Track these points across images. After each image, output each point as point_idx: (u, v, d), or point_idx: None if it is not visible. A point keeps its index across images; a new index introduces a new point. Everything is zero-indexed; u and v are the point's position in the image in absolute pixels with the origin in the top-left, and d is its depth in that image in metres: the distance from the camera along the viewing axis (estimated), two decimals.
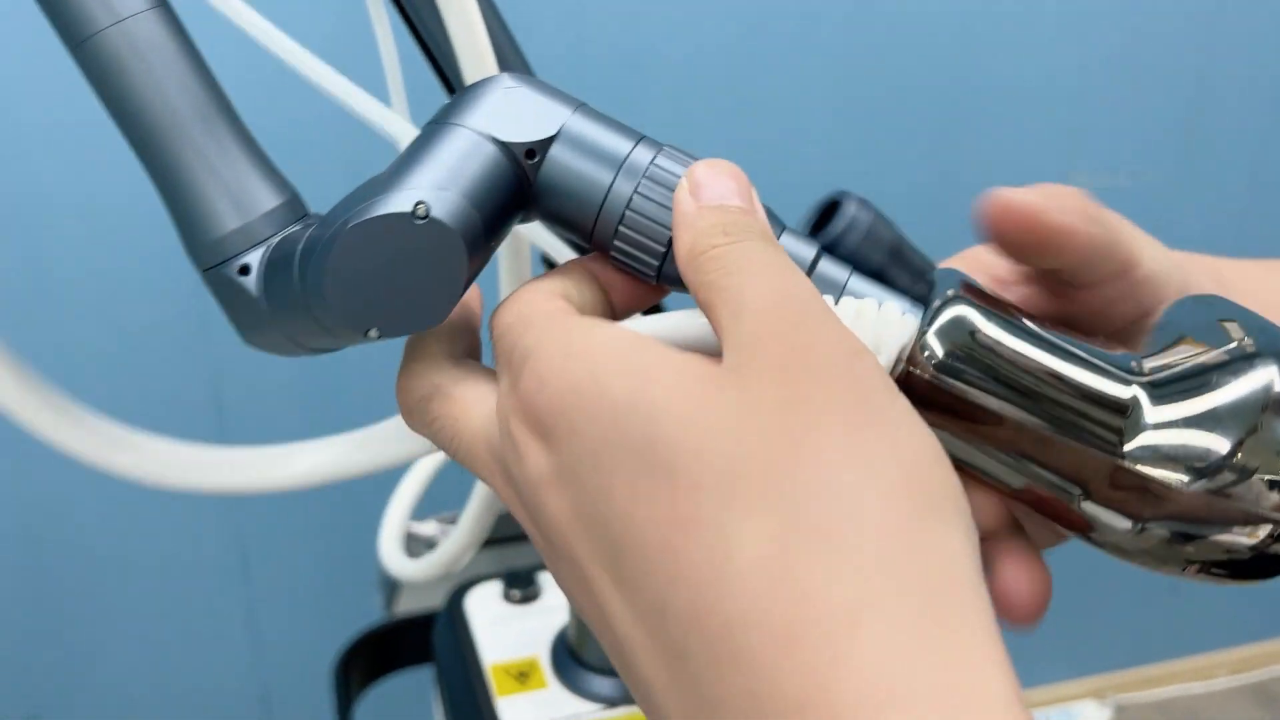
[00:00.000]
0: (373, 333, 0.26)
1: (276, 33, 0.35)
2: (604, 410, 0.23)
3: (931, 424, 0.25)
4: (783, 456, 0.21)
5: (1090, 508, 0.26)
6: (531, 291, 0.27)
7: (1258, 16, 1.13)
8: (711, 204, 0.26)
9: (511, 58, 0.39)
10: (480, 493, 0.48)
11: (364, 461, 0.37)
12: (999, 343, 0.26)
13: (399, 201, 0.25)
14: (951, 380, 0.26)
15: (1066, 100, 1.11)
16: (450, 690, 0.62)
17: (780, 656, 0.19)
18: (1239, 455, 0.24)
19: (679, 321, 0.27)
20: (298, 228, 0.28)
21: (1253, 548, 0.25)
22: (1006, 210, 0.29)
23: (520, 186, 0.27)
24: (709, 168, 0.27)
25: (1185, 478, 0.25)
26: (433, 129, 0.27)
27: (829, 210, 0.31)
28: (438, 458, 0.62)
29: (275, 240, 0.27)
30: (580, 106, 0.28)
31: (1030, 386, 0.26)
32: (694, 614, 0.21)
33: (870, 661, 0.19)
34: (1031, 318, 0.27)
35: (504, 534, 0.62)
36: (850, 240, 0.29)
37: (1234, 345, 0.26)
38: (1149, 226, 0.33)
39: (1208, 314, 0.28)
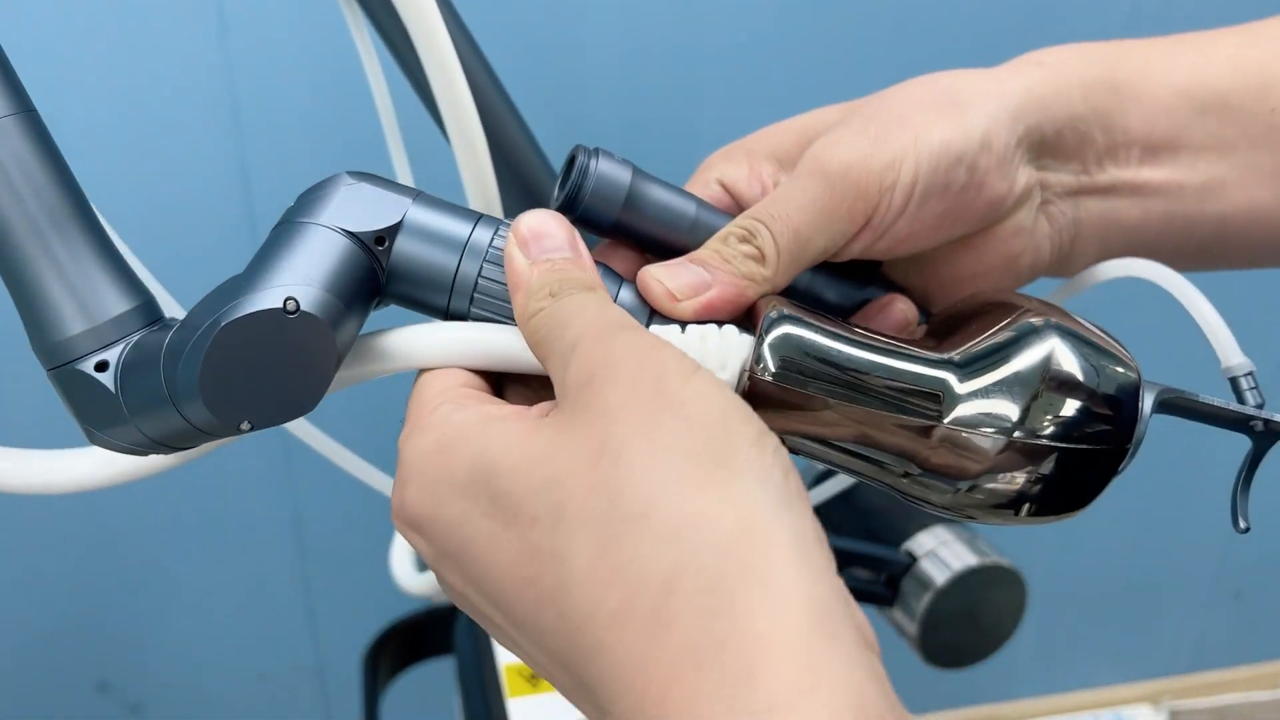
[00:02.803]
0: (245, 425, 0.27)
1: None
2: (455, 489, 0.26)
3: (778, 426, 0.30)
4: (591, 469, 0.24)
5: (923, 479, 0.31)
6: (427, 376, 0.30)
7: None
8: (540, 260, 0.29)
9: (490, 92, 0.39)
10: None
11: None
12: (824, 346, 0.30)
13: (269, 299, 0.26)
14: (787, 384, 0.30)
15: None
16: (466, 686, 0.64)
17: (617, 639, 0.23)
18: (1026, 417, 0.29)
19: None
20: (148, 332, 0.28)
21: (1027, 492, 0.30)
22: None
23: (374, 273, 0.29)
24: (533, 221, 0.29)
25: (995, 438, 0.29)
26: (283, 229, 0.29)
27: (570, 164, 0.33)
28: None
29: (132, 341, 0.28)
30: (419, 195, 0.30)
31: (855, 380, 0.30)
32: (558, 627, 0.24)
33: (684, 623, 0.22)
34: (846, 325, 0.31)
35: None
36: (585, 188, 0.32)
37: (1019, 321, 0.30)
38: None
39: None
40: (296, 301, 0.26)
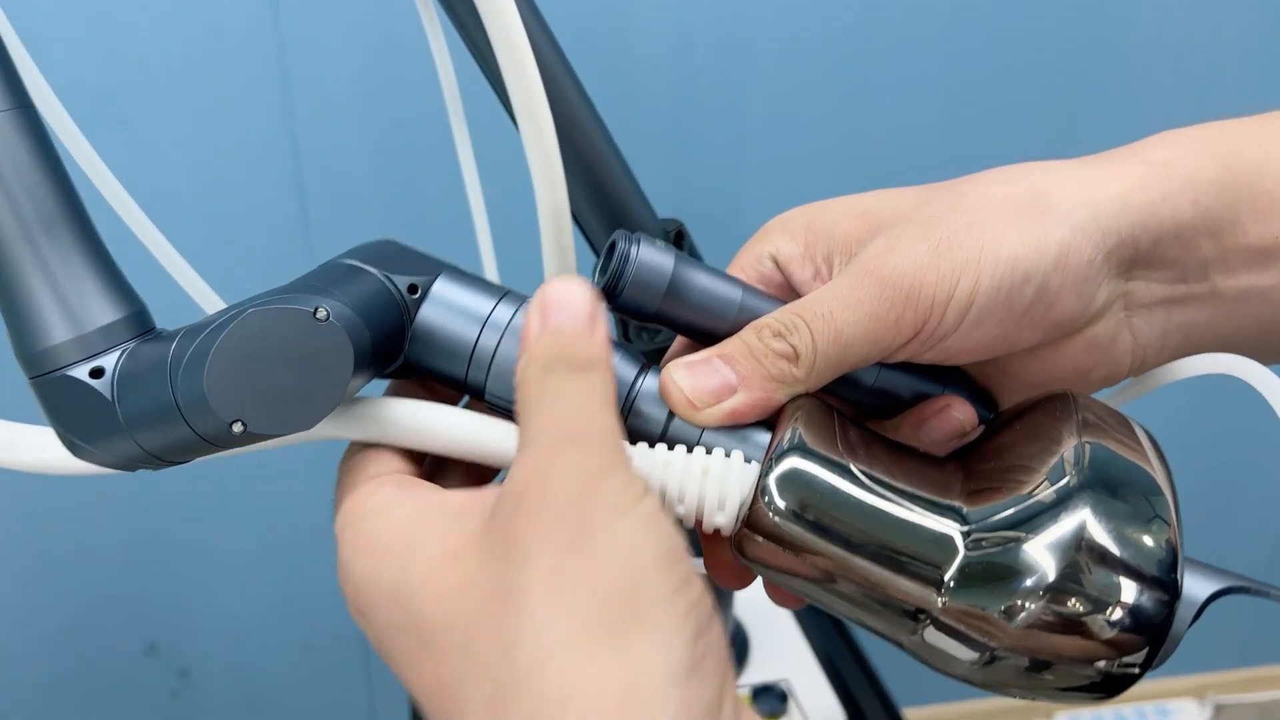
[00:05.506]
0: (237, 426, 0.26)
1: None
2: (380, 601, 0.27)
3: (776, 563, 0.29)
4: (497, 614, 0.24)
5: (932, 636, 0.28)
6: (362, 454, 0.31)
7: None
8: (552, 328, 0.28)
9: (561, 76, 0.39)
10: None
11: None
12: (832, 489, 0.28)
13: (301, 302, 0.26)
14: (789, 524, 0.28)
15: (1201, 72, 1.04)
16: None
17: None
18: (1053, 595, 0.26)
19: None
20: (140, 342, 0.27)
21: (1097, 676, 0.27)
22: None
23: (400, 324, 0.30)
24: (559, 289, 0.28)
25: (999, 611, 0.26)
26: (325, 266, 0.30)
27: (610, 250, 0.32)
28: None
29: (128, 350, 0.27)
30: (452, 269, 0.31)
31: (860, 529, 0.28)
32: None
33: None
34: (867, 447, 0.30)
35: None
36: (626, 276, 0.32)
37: (1048, 492, 0.27)
38: None
39: (1047, 429, 0.29)
40: (328, 312, 0.26)
